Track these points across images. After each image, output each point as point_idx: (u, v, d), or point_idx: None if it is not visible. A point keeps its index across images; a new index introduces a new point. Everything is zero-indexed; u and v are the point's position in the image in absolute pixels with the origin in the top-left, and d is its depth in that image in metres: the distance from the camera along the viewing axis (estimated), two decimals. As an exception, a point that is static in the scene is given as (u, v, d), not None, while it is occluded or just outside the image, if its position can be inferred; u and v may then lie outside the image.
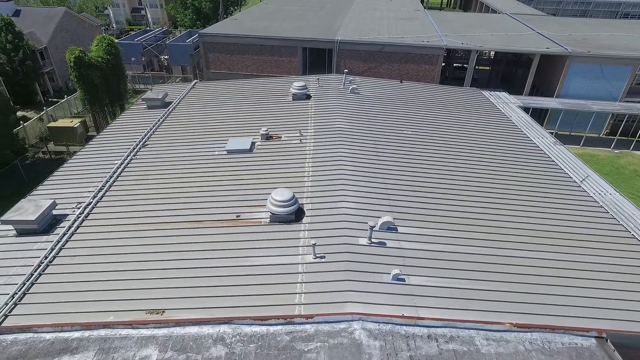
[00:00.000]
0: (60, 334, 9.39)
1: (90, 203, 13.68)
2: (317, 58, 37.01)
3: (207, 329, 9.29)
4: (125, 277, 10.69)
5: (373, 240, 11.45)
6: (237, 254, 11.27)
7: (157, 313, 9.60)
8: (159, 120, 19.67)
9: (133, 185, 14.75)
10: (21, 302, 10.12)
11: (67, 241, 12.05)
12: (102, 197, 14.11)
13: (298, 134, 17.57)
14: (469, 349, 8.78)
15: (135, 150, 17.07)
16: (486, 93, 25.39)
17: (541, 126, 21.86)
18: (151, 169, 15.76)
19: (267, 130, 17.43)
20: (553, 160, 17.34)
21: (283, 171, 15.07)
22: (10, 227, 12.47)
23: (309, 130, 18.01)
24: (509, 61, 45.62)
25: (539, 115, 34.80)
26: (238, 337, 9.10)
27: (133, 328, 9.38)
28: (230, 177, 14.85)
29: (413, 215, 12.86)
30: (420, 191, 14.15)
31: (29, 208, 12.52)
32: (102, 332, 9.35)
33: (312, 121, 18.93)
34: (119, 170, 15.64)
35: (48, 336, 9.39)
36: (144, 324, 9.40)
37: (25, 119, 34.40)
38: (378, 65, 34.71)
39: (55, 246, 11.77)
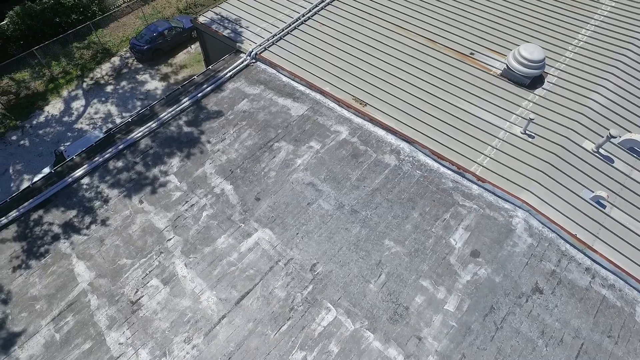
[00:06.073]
0: (292, 82, 11.63)
1: (352, -19, 14.30)
2: None
3: (390, 138, 10.21)
4: (351, 61, 11.85)
5: (602, 150, 9.57)
6: (451, 90, 10.99)
7: (361, 103, 10.79)
8: None
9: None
10: (276, 44, 12.49)
11: (321, 9, 13.43)
12: (364, -21, 14.48)
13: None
14: (622, 306, 7.76)
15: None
16: None
17: None
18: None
19: (564, -32, 13.78)
20: None
21: (551, 25, 12.48)
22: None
23: (619, -12, 13.57)
24: None
25: None
26: (411, 158, 9.82)
27: (339, 105, 10.93)
28: (487, 8, 13.14)
29: (677, 151, 9.86)
30: None
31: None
32: (318, 96, 11.21)
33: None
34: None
35: (284, 79, 11.76)
36: (348, 107, 10.81)
37: None
38: None
39: (312, 9, 13.31)
